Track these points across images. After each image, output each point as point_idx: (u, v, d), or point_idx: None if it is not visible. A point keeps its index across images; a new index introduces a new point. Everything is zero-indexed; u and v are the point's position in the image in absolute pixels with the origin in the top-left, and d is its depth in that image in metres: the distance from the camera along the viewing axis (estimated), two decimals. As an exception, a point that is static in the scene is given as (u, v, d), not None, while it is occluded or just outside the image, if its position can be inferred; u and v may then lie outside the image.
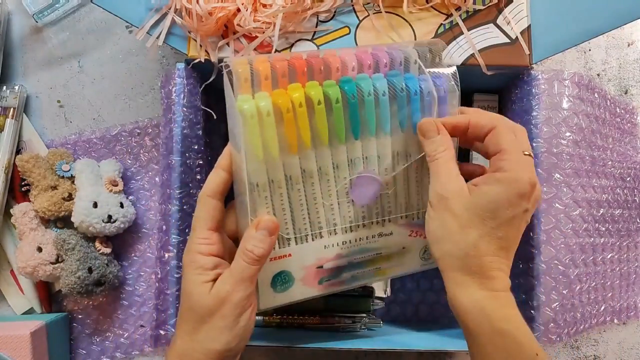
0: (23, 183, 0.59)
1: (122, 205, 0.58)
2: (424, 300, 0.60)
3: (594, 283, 0.54)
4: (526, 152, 0.39)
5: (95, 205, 0.56)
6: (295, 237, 0.42)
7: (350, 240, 0.44)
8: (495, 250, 0.37)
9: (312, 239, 0.43)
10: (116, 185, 0.58)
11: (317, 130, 0.40)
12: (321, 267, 0.44)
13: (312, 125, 0.40)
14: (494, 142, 0.39)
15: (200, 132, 0.53)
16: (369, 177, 0.43)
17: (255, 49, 0.49)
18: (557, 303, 0.48)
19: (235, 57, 0.41)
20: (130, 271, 0.61)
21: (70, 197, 0.57)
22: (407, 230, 0.46)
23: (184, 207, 0.50)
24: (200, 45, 0.49)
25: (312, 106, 0.39)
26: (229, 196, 0.42)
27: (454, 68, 0.43)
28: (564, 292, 0.49)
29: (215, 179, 0.41)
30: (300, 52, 0.42)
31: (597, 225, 0.53)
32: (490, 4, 0.50)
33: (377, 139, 0.42)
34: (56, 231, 0.58)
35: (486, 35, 0.50)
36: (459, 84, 0.43)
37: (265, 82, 0.39)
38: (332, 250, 0.44)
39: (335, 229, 0.43)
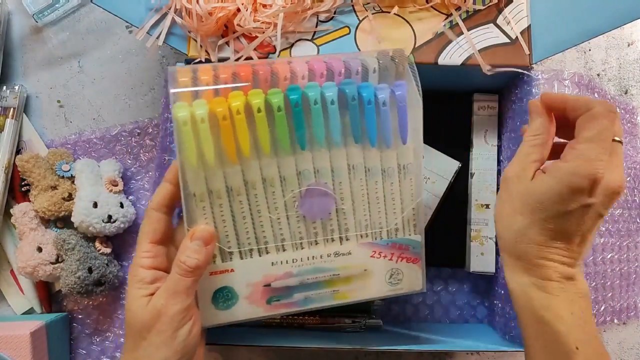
0: (23, 183, 0.59)
1: (122, 205, 0.58)
2: (424, 300, 0.60)
3: (594, 283, 0.54)
4: (616, 139, 0.36)
5: (95, 205, 0.56)
6: (240, 251, 0.41)
7: (301, 258, 0.42)
8: (546, 240, 0.36)
9: (258, 255, 0.41)
10: (116, 185, 0.58)
11: (258, 139, 0.39)
12: (269, 285, 0.41)
13: (254, 134, 0.39)
14: (581, 125, 0.36)
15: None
16: (319, 190, 0.41)
17: (255, 49, 0.49)
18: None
19: (180, 67, 0.40)
20: (130, 271, 0.61)
21: (70, 197, 0.57)
22: (368, 251, 0.43)
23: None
24: (201, 46, 0.49)
25: (253, 114, 0.38)
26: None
27: (417, 79, 0.42)
28: (564, 292, 0.49)
29: (161, 191, 0.40)
30: (250, 62, 0.41)
31: (597, 225, 0.53)
32: (490, 3, 0.50)
33: (329, 151, 0.41)
34: (56, 231, 0.58)
35: (486, 35, 0.50)
36: (421, 95, 0.42)
37: (207, 91, 0.38)
38: (280, 268, 0.41)
39: (283, 245, 0.41)
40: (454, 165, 0.57)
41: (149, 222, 0.40)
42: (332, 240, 0.42)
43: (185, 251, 0.38)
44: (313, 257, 0.42)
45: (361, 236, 0.43)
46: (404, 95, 0.41)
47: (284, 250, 0.41)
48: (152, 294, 0.38)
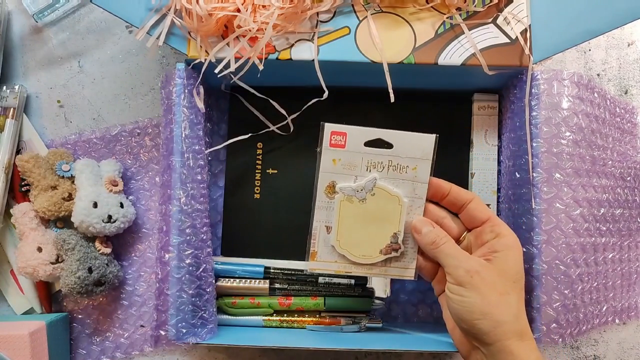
0: (23, 183, 0.59)
1: (122, 205, 0.58)
2: (424, 300, 0.60)
3: (596, 283, 0.54)
4: None
5: (95, 205, 0.56)
6: None
7: None
8: (523, 308, 0.42)
9: None
10: (116, 185, 0.58)
11: None
12: None
13: None
14: (480, 210, 0.46)
15: (200, 133, 0.53)
16: None
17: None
18: (558, 303, 0.48)
19: None
20: (130, 271, 0.61)
21: (70, 197, 0.57)
22: None
23: (184, 207, 0.50)
24: (201, 46, 0.49)
25: None
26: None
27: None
28: (566, 292, 0.49)
29: None
30: None
31: (598, 224, 0.53)
32: (490, 4, 0.50)
33: None
34: (56, 231, 0.58)
35: (486, 35, 0.50)
36: None
37: None
38: None
39: None
40: (429, 140, 0.47)
41: None
42: None
43: None
44: None
45: None
46: None
47: None
48: None
